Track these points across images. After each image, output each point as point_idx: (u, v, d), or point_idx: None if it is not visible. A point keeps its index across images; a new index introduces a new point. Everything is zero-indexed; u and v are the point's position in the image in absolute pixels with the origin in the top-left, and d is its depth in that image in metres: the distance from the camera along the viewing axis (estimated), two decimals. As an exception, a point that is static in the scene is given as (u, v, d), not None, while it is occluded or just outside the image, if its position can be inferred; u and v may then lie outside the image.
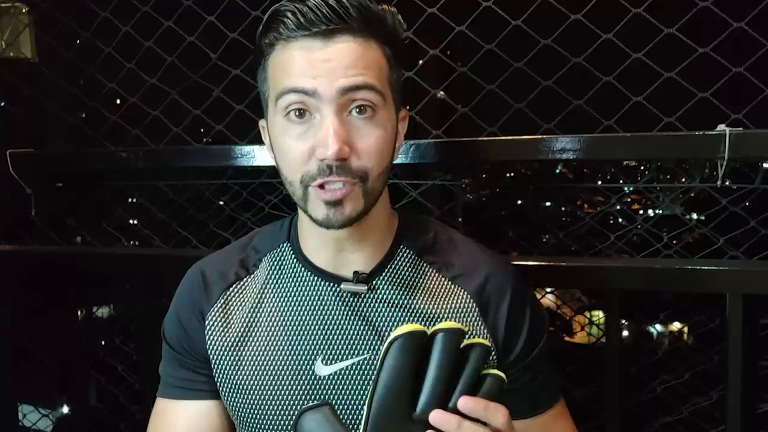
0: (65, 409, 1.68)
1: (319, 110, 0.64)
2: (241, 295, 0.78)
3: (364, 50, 0.65)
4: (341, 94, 0.63)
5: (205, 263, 0.82)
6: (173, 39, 1.30)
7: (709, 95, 1.03)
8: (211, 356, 0.76)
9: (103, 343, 1.74)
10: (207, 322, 0.77)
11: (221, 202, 1.48)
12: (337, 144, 0.62)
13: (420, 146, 1.10)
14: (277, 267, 0.78)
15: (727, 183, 1.00)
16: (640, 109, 1.07)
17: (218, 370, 0.76)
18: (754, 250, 1.10)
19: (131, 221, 1.65)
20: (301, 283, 0.75)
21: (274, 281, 0.77)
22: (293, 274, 0.76)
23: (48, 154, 1.45)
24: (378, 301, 0.73)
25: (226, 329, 0.76)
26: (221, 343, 0.76)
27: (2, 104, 1.57)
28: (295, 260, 0.77)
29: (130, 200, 1.69)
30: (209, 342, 0.76)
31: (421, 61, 1.17)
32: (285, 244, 0.79)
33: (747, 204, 1.13)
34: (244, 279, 0.79)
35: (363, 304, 0.73)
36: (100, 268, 1.45)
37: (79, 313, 1.64)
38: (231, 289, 0.78)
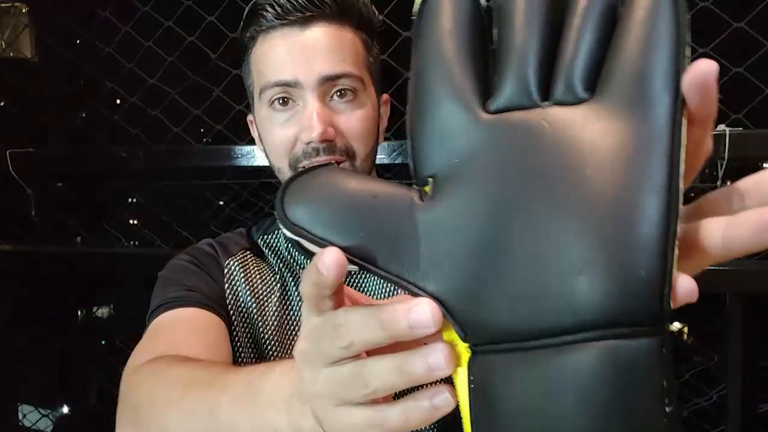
0: (65, 409, 1.68)
1: (301, 98, 0.66)
2: (257, 261, 0.76)
3: (341, 36, 0.67)
4: (322, 83, 0.65)
5: (212, 239, 0.80)
6: (173, 39, 1.30)
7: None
8: (229, 299, 0.71)
9: (103, 343, 1.74)
10: (227, 269, 0.73)
11: (221, 203, 1.48)
12: (322, 125, 0.64)
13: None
14: (274, 250, 0.79)
15: (727, 183, 1.00)
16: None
17: (240, 315, 0.70)
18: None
19: (131, 221, 1.65)
20: (297, 266, 0.76)
21: (276, 262, 0.77)
22: (289, 258, 0.77)
23: (48, 154, 1.45)
24: (367, 279, 0.74)
25: (244, 284, 0.72)
26: (239, 300, 0.71)
27: (2, 104, 1.57)
28: (289, 245, 0.78)
29: (130, 200, 1.69)
30: (227, 287, 0.72)
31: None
32: (279, 232, 0.80)
33: (747, 204, 1.12)
34: (246, 251, 0.77)
35: (355, 283, 0.74)
36: (100, 268, 1.45)
37: (79, 313, 1.64)
38: (248, 251, 0.76)
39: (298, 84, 0.65)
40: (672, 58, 0.22)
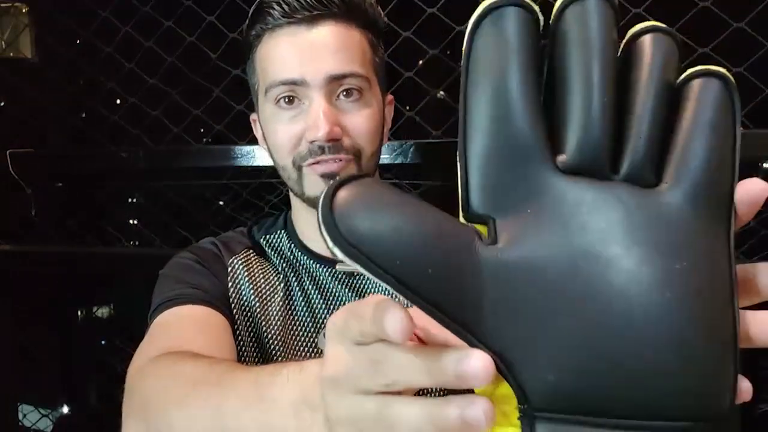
0: (65, 409, 1.68)
1: (307, 96, 0.66)
2: (260, 260, 0.77)
3: (347, 35, 0.67)
4: (328, 82, 0.65)
5: (213, 237, 0.81)
6: (173, 39, 1.30)
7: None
8: (232, 297, 0.71)
9: (103, 343, 1.74)
10: (230, 268, 0.74)
11: (221, 203, 1.48)
12: (328, 125, 0.64)
13: (420, 146, 1.10)
14: (276, 250, 0.79)
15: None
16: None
17: (243, 314, 0.70)
18: (754, 250, 1.10)
19: (131, 221, 1.64)
20: (300, 266, 0.76)
21: (279, 261, 0.78)
22: (293, 258, 0.77)
23: (48, 154, 1.45)
24: (371, 280, 0.73)
25: (248, 283, 0.73)
26: (243, 298, 0.71)
27: (2, 104, 1.57)
28: (292, 246, 0.78)
29: (130, 200, 1.69)
30: (231, 286, 0.72)
31: (421, 61, 1.17)
32: (281, 232, 0.81)
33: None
34: (250, 251, 0.78)
35: (359, 283, 0.74)
36: (100, 268, 1.45)
37: (79, 313, 1.64)
38: (251, 250, 0.78)
39: (304, 83, 0.65)
40: (733, 169, 0.24)
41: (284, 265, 0.77)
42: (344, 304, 0.72)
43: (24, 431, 1.61)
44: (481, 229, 0.23)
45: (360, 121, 0.67)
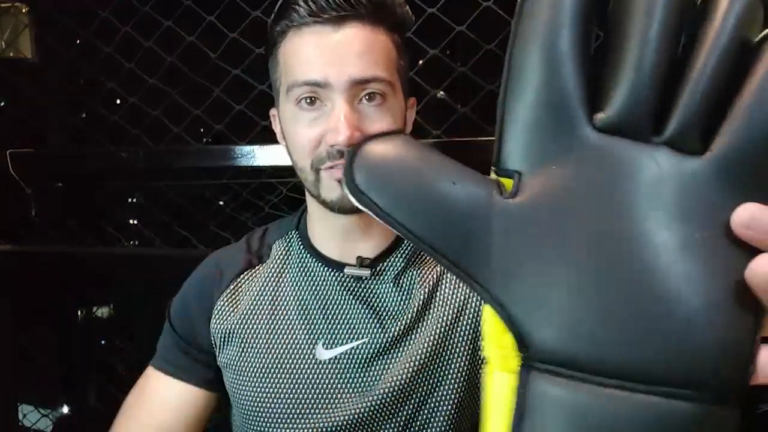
0: (65, 409, 1.68)
1: (330, 99, 0.65)
2: (250, 282, 0.79)
3: (374, 38, 0.65)
4: (352, 85, 0.64)
5: (222, 252, 0.84)
6: (173, 39, 1.30)
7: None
8: (215, 341, 0.77)
9: (103, 343, 1.74)
10: (215, 310, 0.78)
11: (221, 203, 1.48)
12: (349, 130, 0.63)
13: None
14: (285, 254, 0.79)
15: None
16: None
17: (223, 355, 0.76)
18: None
19: (131, 221, 1.65)
20: (305, 270, 0.76)
21: (280, 267, 0.78)
22: (299, 261, 0.77)
23: (48, 154, 1.45)
24: (380, 285, 0.73)
25: (232, 313, 0.77)
26: (226, 328, 0.76)
27: (2, 104, 1.57)
28: (301, 247, 0.78)
29: (130, 200, 1.69)
30: (214, 327, 0.77)
31: (421, 61, 1.17)
32: (293, 233, 0.81)
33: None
34: (257, 267, 0.80)
35: (365, 289, 0.74)
36: (100, 268, 1.45)
37: (79, 313, 1.64)
38: (242, 276, 0.79)
39: (327, 85, 0.64)
40: None
41: (285, 270, 0.78)
42: (342, 310, 0.72)
43: (24, 431, 1.61)
44: (508, 183, 0.23)
45: (381, 127, 0.66)
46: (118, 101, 1.44)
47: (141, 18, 1.32)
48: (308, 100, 0.66)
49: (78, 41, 1.45)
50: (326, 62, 0.64)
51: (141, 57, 1.35)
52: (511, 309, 0.22)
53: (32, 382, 1.64)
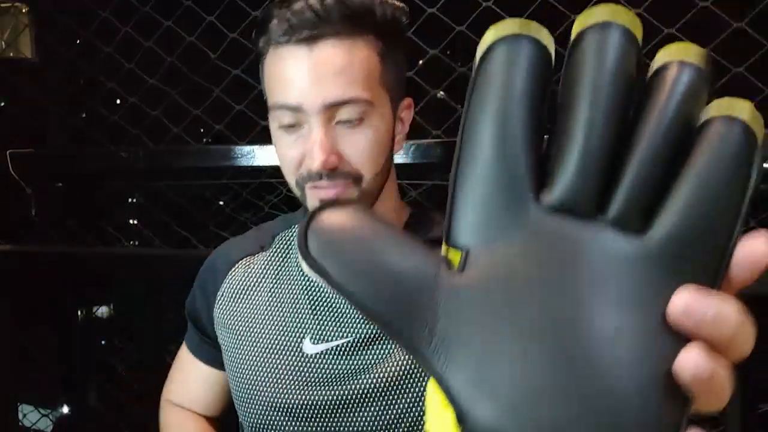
0: (65, 409, 1.68)
1: (307, 121, 0.65)
2: (247, 268, 0.80)
3: (350, 55, 0.63)
4: (327, 108, 0.63)
5: (230, 242, 0.87)
6: (173, 39, 1.30)
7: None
8: (218, 332, 0.80)
9: (103, 343, 1.74)
10: (218, 295, 0.81)
11: (221, 203, 1.48)
12: (323, 155, 0.63)
13: (420, 146, 1.10)
14: (286, 246, 0.80)
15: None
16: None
17: (224, 345, 0.79)
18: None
19: (131, 221, 1.65)
20: (300, 265, 0.76)
21: (280, 259, 0.79)
22: (296, 256, 0.78)
23: (48, 154, 1.45)
24: None
25: (232, 303, 0.79)
26: (226, 318, 0.79)
27: (2, 104, 1.57)
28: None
29: (130, 200, 1.69)
30: (216, 313, 0.80)
31: (421, 61, 1.17)
32: (296, 227, 0.82)
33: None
34: (256, 254, 0.81)
35: None
36: (100, 268, 1.45)
37: (79, 313, 1.64)
38: (241, 261, 0.81)
39: (302, 110, 0.64)
40: (730, 228, 0.22)
41: (284, 263, 0.78)
42: (332, 307, 0.73)
43: (24, 431, 1.61)
44: (456, 256, 0.24)
45: (360, 147, 0.65)
46: (118, 101, 1.44)
47: (141, 18, 1.32)
48: (287, 123, 0.66)
49: (78, 41, 1.46)
50: (300, 87, 0.63)
51: (141, 57, 1.35)
52: (450, 383, 0.22)
53: (32, 382, 1.64)
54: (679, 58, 0.22)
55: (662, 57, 0.22)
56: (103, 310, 1.78)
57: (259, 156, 1.19)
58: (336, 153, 0.64)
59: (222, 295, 0.80)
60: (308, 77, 0.63)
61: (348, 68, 0.63)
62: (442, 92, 1.20)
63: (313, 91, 0.63)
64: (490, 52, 0.23)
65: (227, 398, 0.87)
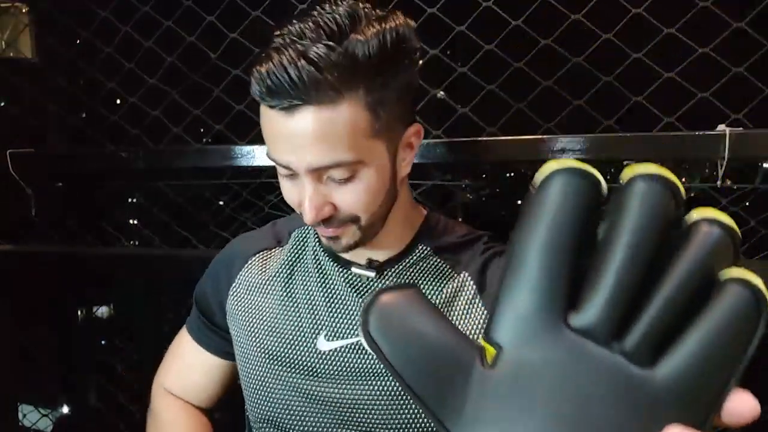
0: (65, 409, 1.68)
1: (299, 175, 0.65)
2: (263, 262, 0.81)
3: (331, 123, 0.60)
4: (313, 170, 0.63)
5: (246, 235, 0.88)
6: (173, 39, 1.30)
7: (709, 95, 1.03)
8: (230, 324, 0.81)
9: (103, 343, 1.74)
10: (231, 289, 0.81)
11: (221, 203, 1.48)
12: (314, 211, 0.64)
13: (420, 146, 1.09)
14: (302, 243, 0.81)
15: (727, 183, 1.00)
16: (640, 109, 1.07)
17: (236, 338, 0.80)
18: (754, 250, 1.10)
19: (131, 221, 1.65)
20: (317, 263, 0.78)
21: (296, 256, 0.80)
22: (313, 253, 0.79)
23: (48, 154, 1.45)
24: (385, 284, 0.74)
25: (247, 296, 0.80)
26: (240, 311, 0.80)
27: (2, 104, 1.57)
28: (316, 241, 0.79)
29: (130, 200, 1.69)
30: (229, 305, 0.81)
31: (421, 61, 1.17)
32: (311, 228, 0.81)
33: (747, 204, 1.13)
34: (273, 249, 0.82)
35: (369, 289, 0.75)
36: (100, 268, 1.45)
37: (79, 313, 1.64)
38: (257, 255, 0.82)
39: (291, 168, 0.64)
40: (726, 379, 0.25)
41: (300, 259, 0.79)
42: (346, 306, 0.74)
43: (24, 431, 1.61)
44: (490, 349, 0.27)
45: (352, 198, 0.65)
46: (118, 101, 1.44)
47: (141, 18, 1.32)
48: (284, 174, 0.67)
49: (78, 41, 1.45)
50: (285, 149, 0.63)
51: (141, 57, 1.35)
52: None
53: (32, 382, 1.64)
54: (710, 217, 0.25)
55: (697, 214, 0.25)
56: (103, 310, 1.78)
57: (259, 156, 1.19)
58: (329, 204, 0.65)
59: (237, 287, 0.81)
60: (290, 143, 0.62)
61: (330, 135, 0.60)
62: (442, 92, 1.20)
63: (297, 155, 0.62)
64: (550, 179, 0.26)
65: (223, 389, 0.88)
